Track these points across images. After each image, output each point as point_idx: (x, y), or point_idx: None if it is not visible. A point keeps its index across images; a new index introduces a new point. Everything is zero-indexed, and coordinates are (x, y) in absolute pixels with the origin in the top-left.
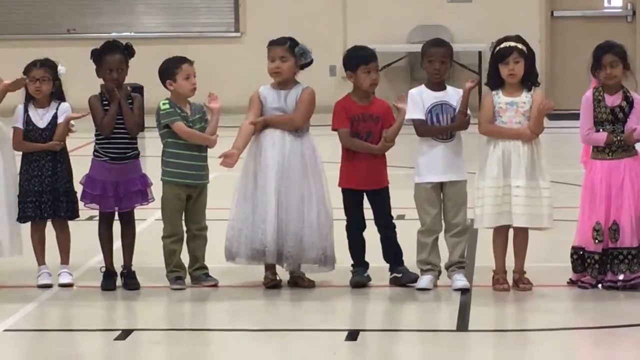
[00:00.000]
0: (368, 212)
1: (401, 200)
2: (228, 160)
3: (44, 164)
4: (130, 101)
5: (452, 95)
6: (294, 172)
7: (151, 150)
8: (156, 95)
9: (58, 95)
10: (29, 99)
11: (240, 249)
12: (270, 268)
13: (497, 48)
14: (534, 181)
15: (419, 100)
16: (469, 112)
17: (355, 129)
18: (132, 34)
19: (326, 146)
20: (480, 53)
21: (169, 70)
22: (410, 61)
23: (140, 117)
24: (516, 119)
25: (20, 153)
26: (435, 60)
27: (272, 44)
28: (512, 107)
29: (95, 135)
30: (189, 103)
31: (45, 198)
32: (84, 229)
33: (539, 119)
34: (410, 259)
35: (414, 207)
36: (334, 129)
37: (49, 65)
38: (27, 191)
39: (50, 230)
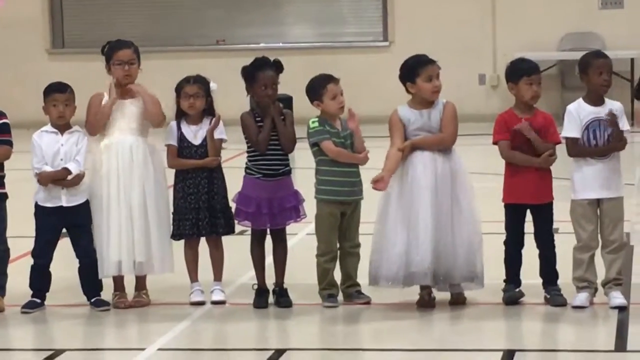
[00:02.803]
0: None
1: (555, 214)
2: (380, 184)
3: (199, 181)
4: (282, 117)
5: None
6: (445, 192)
7: (301, 163)
8: (305, 107)
9: (210, 111)
10: (181, 115)
11: (390, 272)
12: (426, 288)
13: None
14: None
15: (575, 117)
16: (628, 128)
17: (516, 141)
18: (281, 44)
19: (473, 157)
20: (632, 60)
21: (315, 90)
22: (561, 69)
23: (293, 133)
24: None
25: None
26: (605, 71)
27: (430, 62)
28: None
29: (248, 152)
30: (340, 119)
31: (203, 215)
32: (235, 245)
33: None
34: (563, 274)
35: (568, 221)
36: (494, 142)
37: (201, 82)
38: (184, 209)
39: (201, 246)
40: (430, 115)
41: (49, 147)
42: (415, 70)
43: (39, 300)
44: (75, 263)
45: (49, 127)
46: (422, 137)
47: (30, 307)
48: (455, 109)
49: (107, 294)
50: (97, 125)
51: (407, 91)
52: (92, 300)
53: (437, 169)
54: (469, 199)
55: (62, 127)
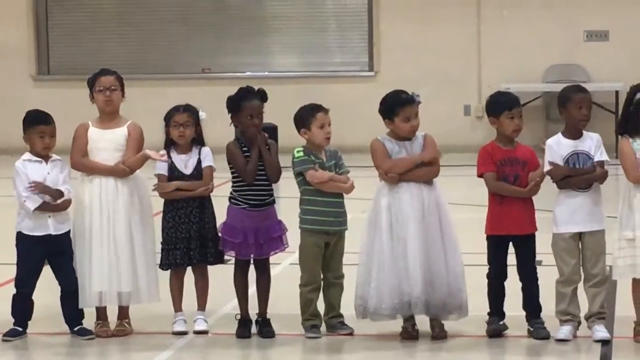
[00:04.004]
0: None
1: (538, 246)
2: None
3: (191, 211)
4: (267, 147)
5: (589, 143)
6: (433, 221)
7: (285, 192)
8: (290, 136)
9: (199, 140)
10: (170, 144)
11: (380, 303)
12: (409, 320)
13: None
14: None
15: (556, 150)
16: (606, 158)
17: (502, 172)
18: (267, 73)
19: (458, 188)
20: (617, 92)
21: (304, 119)
22: (546, 100)
23: (278, 163)
24: None
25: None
26: (584, 106)
27: (409, 101)
28: None
29: (233, 182)
30: (325, 150)
31: (194, 245)
32: (218, 274)
33: None
34: (546, 306)
35: (552, 253)
36: (479, 175)
37: (191, 111)
38: (174, 239)
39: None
40: (412, 146)
41: (35, 175)
42: (394, 109)
43: (20, 329)
44: (57, 291)
45: (31, 156)
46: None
47: (12, 335)
48: (435, 141)
49: (88, 322)
50: (82, 170)
51: (386, 125)
52: (76, 329)
53: (424, 199)
54: (453, 228)
55: (45, 156)
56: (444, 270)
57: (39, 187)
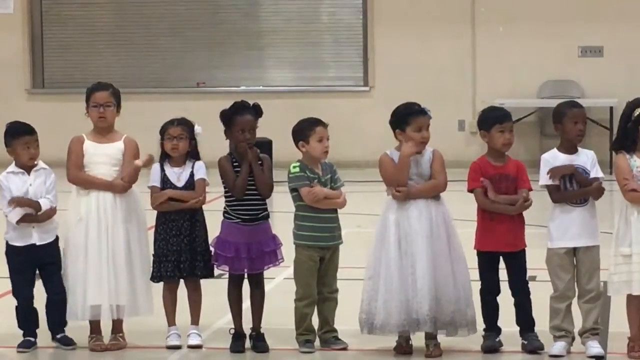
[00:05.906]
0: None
1: (533, 262)
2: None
3: (182, 224)
4: (260, 162)
5: (584, 159)
6: (441, 237)
7: (280, 206)
8: (285, 150)
9: (193, 154)
10: (164, 157)
11: (388, 319)
12: (404, 334)
13: None
14: None
15: (552, 164)
16: (602, 175)
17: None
18: (261, 87)
19: (452, 203)
20: (611, 108)
21: (303, 132)
22: (540, 116)
23: (270, 178)
24: None
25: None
26: (580, 121)
27: (422, 112)
28: None
29: (226, 196)
30: (320, 163)
31: (184, 257)
32: (212, 288)
33: None
34: (540, 322)
35: (546, 269)
36: (469, 190)
37: (185, 124)
38: (166, 251)
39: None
40: (421, 161)
41: (17, 189)
42: (406, 119)
43: (32, 339)
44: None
45: (15, 168)
46: (417, 187)
47: (25, 346)
48: (443, 159)
49: (82, 335)
50: (80, 185)
51: (396, 137)
52: (59, 336)
53: (432, 214)
54: (460, 243)
55: (29, 166)
56: (452, 286)
57: (16, 202)
